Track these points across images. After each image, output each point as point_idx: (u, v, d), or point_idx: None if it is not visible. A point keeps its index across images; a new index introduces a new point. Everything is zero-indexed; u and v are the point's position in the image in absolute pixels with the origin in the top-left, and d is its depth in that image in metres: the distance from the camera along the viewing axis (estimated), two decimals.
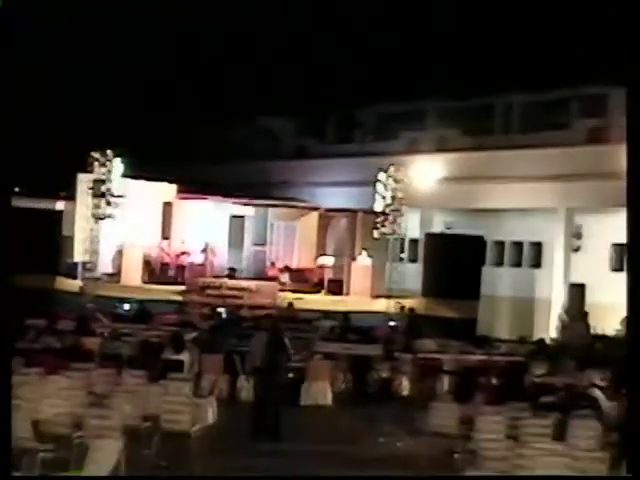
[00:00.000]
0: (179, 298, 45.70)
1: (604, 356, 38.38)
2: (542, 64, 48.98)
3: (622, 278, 47.76)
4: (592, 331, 45.60)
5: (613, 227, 47.90)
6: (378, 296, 49.56)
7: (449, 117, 55.19)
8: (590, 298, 47.74)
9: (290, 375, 28.78)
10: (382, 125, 58.06)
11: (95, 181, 48.36)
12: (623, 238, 47.91)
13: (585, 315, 46.94)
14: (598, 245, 48.75)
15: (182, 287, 47.33)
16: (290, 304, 43.94)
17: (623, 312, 45.39)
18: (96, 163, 48.46)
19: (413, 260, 53.74)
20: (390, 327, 42.98)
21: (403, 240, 53.79)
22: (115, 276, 48.04)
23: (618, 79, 48.16)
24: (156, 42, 57.84)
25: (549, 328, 47.53)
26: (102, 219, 48.28)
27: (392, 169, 51.91)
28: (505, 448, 18.92)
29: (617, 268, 48.53)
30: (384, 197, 52.35)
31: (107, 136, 49.68)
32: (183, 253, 50.52)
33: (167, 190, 51.18)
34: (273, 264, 52.51)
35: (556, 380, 31.45)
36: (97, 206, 48.23)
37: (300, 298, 47.28)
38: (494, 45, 50.54)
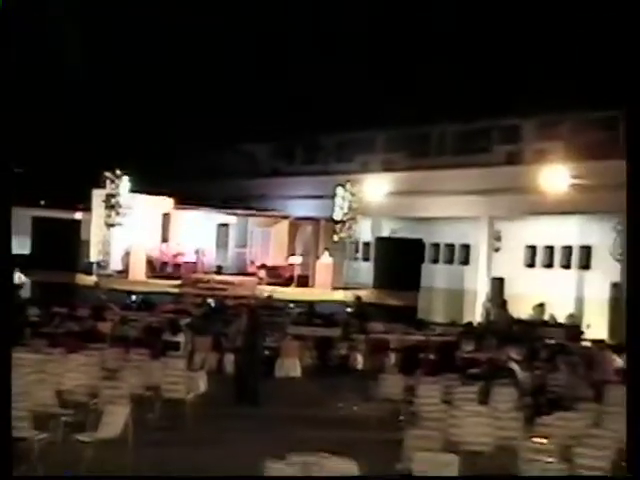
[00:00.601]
0: (176, 290, 45.28)
1: (519, 336, 39.01)
2: (469, 101, 49.14)
3: (533, 273, 48.77)
4: (510, 316, 46.17)
5: (526, 231, 48.81)
6: (337, 288, 49.45)
7: (394, 143, 55.37)
8: (508, 289, 47.99)
9: (266, 352, 28.79)
10: (340, 149, 58.03)
11: (107, 195, 48.36)
12: (534, 240, 48.91)
13: (504, 303, 47.11)
14: (514, 246, 48.90)
15: (178, 281, 46.94)
16: (269, 296, 44.08)
17: (534, 300, 46.43)
18: (108, 180, 48.53)
19: (366, 259, 53.62)
20: (347, 313, 42.88)
21: (357, 243, 54.08)
22: (123, 273, 47.45)
23: (529, 112, 48.91)
24: (156, 76, 57.58)
25: (475, 313, 47.60)
26: (112, 226, 48.15)
27: (348, 185, 52.19)
28: (440, 411, 19.17)
29: (529, 264, 49.23)
30: (342, 208, 52.67)
31: (117, 158, 49.80)
32: (179, 254, 49.85)
33: (166, 202, 50.71)
34: (252, 263, 51.59)
35: (481, 355, 31.59)
36: (108, 216, 48.12)
37: (274, 290, 47.78)
38: (431, 84, 50.51)
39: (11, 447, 9.06)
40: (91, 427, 16.47)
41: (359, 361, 32.28)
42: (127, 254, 48.38)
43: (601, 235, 45.46)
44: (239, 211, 53.63)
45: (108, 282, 45.71)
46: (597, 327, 42.83)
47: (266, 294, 45.65)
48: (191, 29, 57.24)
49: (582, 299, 45.18)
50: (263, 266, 51.49)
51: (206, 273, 49.42)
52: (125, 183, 48.49)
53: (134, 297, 43.68)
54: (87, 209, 49.10)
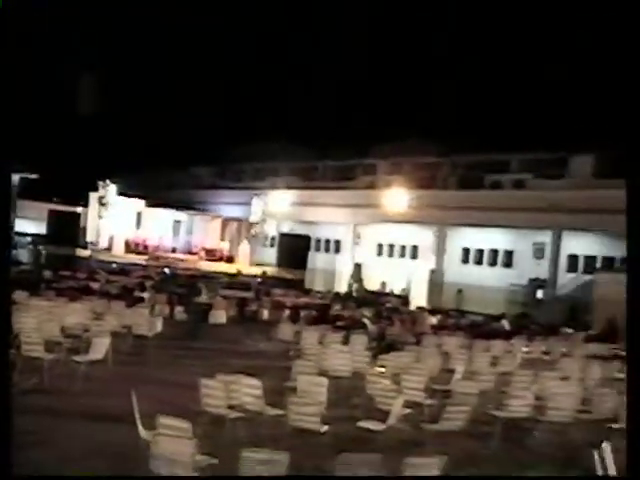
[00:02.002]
0: (144, 263, 45.37)
1: (370, 301, 39.56)
2: (342, 146, 49.34)
3: (381, 261, 49.31)
4: (364, 288, 46.66)
5: (376, 233, 49.46)
6: (252, 265, 50.11)
7: (294, 171, 55.58)
8: (364, 271, 48.74)
9: (204, 306, 28.74)
10: (257, 173, 58.08)
11: (99, 197, 48.39)
12: (381, 239, 49.29)
13: (361, 280, 47.81)
14: (369, 242, 49.76)
15: (145, 257, 47.09)
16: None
17: (382, 278, 47.00)
18: (100, 187, 48.64)
19: (272, 246, 54.16)
20: (258, 282, 42.81)
21: (266, 236, 54.46)
22: (108, 249, 47.77)
23: (382, 155, 49.41)
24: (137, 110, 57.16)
25: (342, 286, 48.17)
26: (102, 218, 48.37)
27: (261, 197, 52.71)
28: (317, 349, 19.31)
29: (379, 255, 49.78)
30: (257, 212, 53.17)
31: (108, 171, 49.42)
32: (147, 238, 50.31)
33: (139, 203, 50.89)
34: (196, 246, 52.39)
35: (345, 313, 31.95)
36: (100, 211, 48.43)
37: (210, 265, 47.74)
38: (314, 137, 50.61)
39: (11, 447, 6.84)
40: (83, 351, 16.32)
41: (265, 314, 32.20)
42: (112, 237, 48.19)
43: (426, 238, 46.20)
44: (188, 211, 53.71)
45: (98, 255, 45.65)
46: (419, 298, 43.55)
47: (204, 267, 45.71)
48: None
49: (411, 279, 45.80)
50: (203, 249, 51.48)
51: (165, 252, 49.51)
52: (112, 189, 48.50)
53: (115, 266, 43.47)
54: (85, 205, 48.76)
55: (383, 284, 46.41)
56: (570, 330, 32.38)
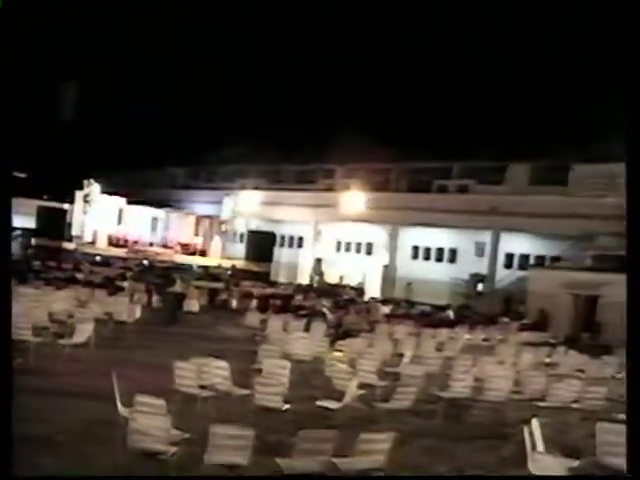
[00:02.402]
0: (124, 255, 45.16)
1: (329, 292, 39.71)
2: (304, 154, 49.37)
3: (339, 256, 49.33)
4: (324, 280, 46.73)
5: (335, 231, 49.55)
6: (223, 258, 49.92)
7: (261, 173, 55.29)
8: (324, 265, 48.73)
9: (178, 295, 28.74)
10: (228, 175, 57.54)
11: (84, 195, 47.88)
12: (340, 236, 49.26)
13: (322, 273, 47.86)
14: (329, 239, 49.81)
15: (126, 250, 46.89)
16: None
17: (340, 272, 47.01)
18: (85, 185, 48.19)
19: (241, 241, 53.81)
20: (228, 274, 42.66)
21: (236, 232, 54.30)
22: (92, 243, 47.42)
23: (341, 161, 49.44)
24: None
25: (305, 278, 48.18)
26: (86, 214, 47.96)
27: (231, 196, 52.63)
28: (280, 335, 19.50)
29: (337, 250, 49.80)
30: (227, 210, 53.10)
31: (92, 172, 48.98)
32: (127, 233, 49.95)
33: (120, 201, 50.56)
34: (172, 241, 52.20)
35: (306, 303, 32.08)
36: (85, 208, 47.97)
37: (185, 258, 47.45)
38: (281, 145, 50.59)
39: (11, 446, 6.45)
40: (68, 336, 16.21)
41: (234, 303, 32.22)
42: (95, 232, 47.69)
43: (380, 236, 46.42)
44: (165, 209, 53.30)
45: (82, 248, 45.00)
46: (373, 290, 43.73)
47: (179, 260, 45.46)
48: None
49: (366, 273, 45.96)
50: (178, 243, 51.16)
51: (143, 246, 48.97)
52: (96, 188, 48.03)
53: (98, 258, 43.07)
54: (71, 202, 48.01)
55: (341, 277, 46.49)
56: (506, 319, 32.78)
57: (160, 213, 53.04)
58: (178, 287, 27.21)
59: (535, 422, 9.78)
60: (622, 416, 13.32)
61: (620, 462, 10.19)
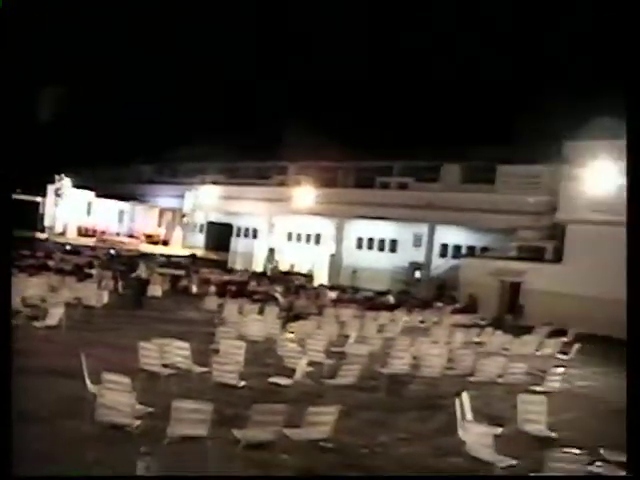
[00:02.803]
0: (92, 245, 44.76)
1: (281, 279, 39.62)
2: (261, 151, 48.99)
3: (291, 245, 49.22)
4: (277, 267, 46.64)
5: (288, 222, 49.42)
6: (184, 247, 49.62)
7: (220, 170, 54.39)
8: (277, 254, 48.77)
9: (143, 281, 28.35)
10: (189, 171, 56.45)
11: (56, 188, 47.14)
12: (291, 228, 49.16)
13: (275, 262, 47.70)
14: (281, 230, 49.60)
15: (94, 239, 46.40)
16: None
17: (291, 260, 46.93)
18: (57, 180, 47.38)
19: (201, 232, 53.37)
20: (189, 262, 42.26)
21: (196, 223, 53.86)
22: (63, 233, 46.73)
23: (293, 159, 49.29)
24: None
25: (259, 266, 48.01)
26: (58, 206, 47.18)
27: (192, 190, 52.24)
28: (237, 318, 19.54)
29: (289, 240, 49.65)
30: (188, 204, 52.71)
31: (64, 168, 48.18)
32: (95, 224, 49.47)
33: (89, 194, 49.89)
34: (137, 232, 51.71)
35: (260, 288, 31.99)
36: (56, 200, 47.17)
37: (149, 247, 47.03)
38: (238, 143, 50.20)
39: (11, 446, 6.13)
40: (41, 318, 16.08)
41: (194, 289, 32.00)
42: (66, 223, 47.12)
43: (327, 228, 46.49)
44: (131, 202, 52.79)
45: (54, 238, 44.39)
46: (322, 277, 43.83)
47: (144, 249, 44.98)
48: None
49: (315, 262, 46.01)
50: (143, 233, 50.72)
51: (110, 236, 48.40)
52: (67, 182, 47.31)
53: (68, 247, 42.41)
54: (44, 195, 47.15)
55: (292, 265, 46.46)
56: (440, 304, 33.13)
57: (126, 206, 52.68)
58: (143, 273, 26.79)
59: (465, 395, 9.93)
60: (540, 388, 13.64)
61: (538, 429, 10.44)
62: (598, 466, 8.64)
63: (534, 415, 10.53)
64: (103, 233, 48.41)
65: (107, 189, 51.27)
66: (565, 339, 21.44)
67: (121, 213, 52.18)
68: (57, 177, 47.23)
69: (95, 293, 21.10)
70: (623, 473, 8.49)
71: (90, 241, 45.55)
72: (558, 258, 33.30)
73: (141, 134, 55.25)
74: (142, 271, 26.75)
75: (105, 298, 21.08)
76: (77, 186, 48.56)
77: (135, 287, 25.70)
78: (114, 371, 9.25)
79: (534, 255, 34.48)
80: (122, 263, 35.14)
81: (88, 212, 49.54)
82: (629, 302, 7.14)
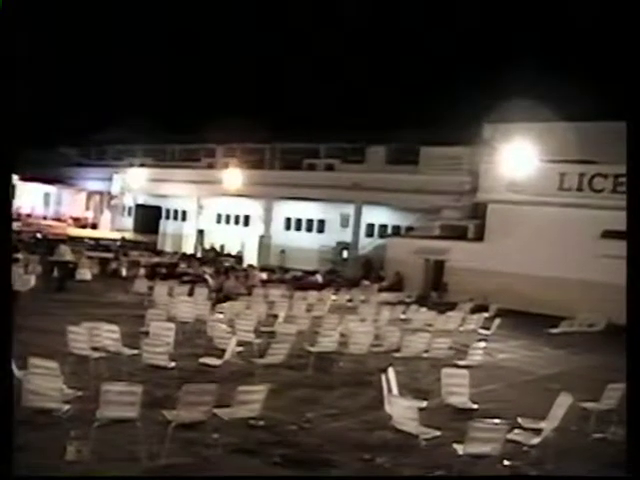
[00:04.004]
0: (18, 229, 43.12)
1: (211, 260, 39.22)
2: (191, 134, 48.33)
3: (220, 227, 48.80)
4: (205, 248, 46.14)
5: (217, 204, 48.86)
6: (113, 230, 48.69)
7: (147, 152, 53.14)
8: (206, 235, 48.29)
9: (70, 265, 27.74)
10: (117, 153, 54.89)
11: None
12: (220, 209, 48.66)
13: (203, 242, 47.37)
14: (210, 212, 49.13)
15: (20, 223, 44.53)
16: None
17: (220, 242, 46.46)
18: None
19: (129, 215, 52.18)
20: (118, 245, 41.44)
21: (125, 206, 52.77)
22: None
23: (220, 141, 48.76)
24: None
25: (189, 248, 47.41)
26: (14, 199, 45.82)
27: (120, 173, 51.15)
28: (166, 300, 19.15)
29: (218, 222, 49.18)
30: (116, 186, 51.60)
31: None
32: (20, 207, 48.12)
33: (14, 177, 48.43)
34: (64, 215, 50.55)
35: (190, 270, 31.80)
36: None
37: (76, 230, 45.96)
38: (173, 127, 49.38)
39: (12, 446, 6.13)
40: None
41: (123, 272, 31.43)
42: None
43: (256, 209, 46.27)
44: (57, 185, 51.40)
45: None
46: (251, 258, 43.69)
47: (72, 233, 43.90)
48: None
49: (244, 243, 45.79)
50: (71, 217, 49.55)
51: (36, 219, 47.03)
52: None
53: None
54: None
55: (221, 247, 46.09)
56: (367, 282, 33.48)
57: (52, 189, 51.26)
58: (68, 256, 26.12)
59: (391, 370, 10.09)
60: (463, 362, 13.99)
61: (461, 401, 10.72)
62: (516, 434, 8.89)
63: (457, 388, 10.81)
64: (28, 216, 46.96)
65: (32, 172, 49.76)
66: (487, 314, 21.98)
67: (47, 196, 50.77)
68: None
69: (22, 278, 20.34)
70: (538, 439, 8.82)
71: (15, 225, 43.99)
72: (480, 237, 34.07)
73: (68, 116, 53.70)
74: (63, 254, 26.05)
75: (32, 282, 20.50)
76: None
77: (62, 270, 25.05)
78: (42, 356, 9.11)
79: (457, 234, 35.17)
80: (49, 247, 34.16)
81: (12, 195, 47.95)
82: (629, 302, 6.95)
